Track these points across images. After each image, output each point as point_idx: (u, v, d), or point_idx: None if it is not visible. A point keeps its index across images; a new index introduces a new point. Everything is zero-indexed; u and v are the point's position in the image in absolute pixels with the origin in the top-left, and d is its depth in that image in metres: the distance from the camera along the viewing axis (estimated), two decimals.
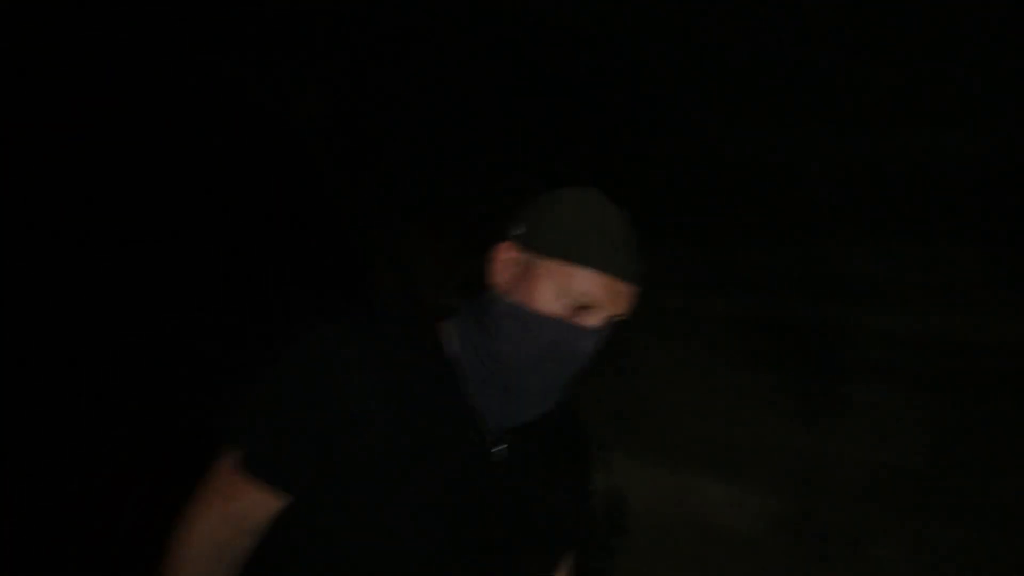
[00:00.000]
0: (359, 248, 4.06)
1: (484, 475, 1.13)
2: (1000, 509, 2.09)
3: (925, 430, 2.20)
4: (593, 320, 1.07)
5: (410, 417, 1.11)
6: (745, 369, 2.48)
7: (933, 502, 2.18)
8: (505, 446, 1.15)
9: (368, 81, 3.08)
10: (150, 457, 5.27)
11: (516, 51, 2.56)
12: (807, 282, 2.39)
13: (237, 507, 1.13)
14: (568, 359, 1.09)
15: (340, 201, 4.03)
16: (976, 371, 2.16)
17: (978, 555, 2.10)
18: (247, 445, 1.12)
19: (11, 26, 3.04)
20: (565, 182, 1.16)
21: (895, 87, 2.00)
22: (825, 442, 2.28)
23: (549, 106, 2.65)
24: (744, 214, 2.49)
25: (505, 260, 1.14)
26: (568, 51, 2.45)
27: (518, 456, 1.16)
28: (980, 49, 1.83)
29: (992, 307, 2.10)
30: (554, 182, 1.20)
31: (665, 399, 2.68)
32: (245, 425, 1.14)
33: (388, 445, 1.08)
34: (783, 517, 2.33)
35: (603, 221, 1.10)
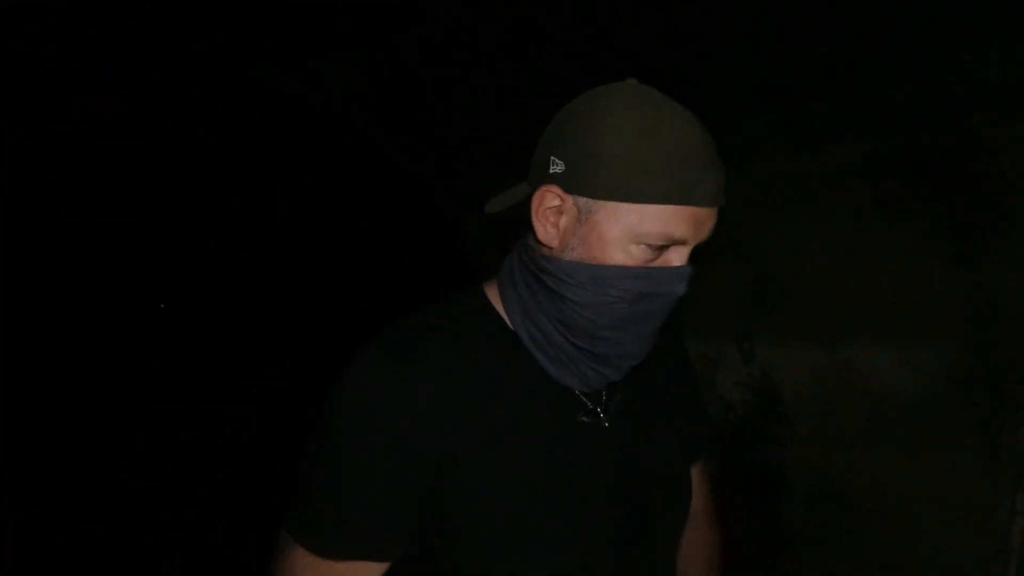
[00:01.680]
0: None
1: (592, 446, 1.05)
2: None
3: None
4: (680, 256, 0.95)
5: (502, 418, 0.99)
6: (885, 220, 2.27)
7: None
8: (601, 411, 1.07)
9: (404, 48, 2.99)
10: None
11: None
12: (936, 103, 2.14)
13: None
14: (661, 307, 0.97)
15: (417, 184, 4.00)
16: None
17: None
18: (328, 531, 0.97)
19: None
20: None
21: None
22: (991, 277, 2.06)
23: None
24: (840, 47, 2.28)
25: (549, 210, 0.98)
26: None
27: (621, 409, 1.10)
28: None
29: None
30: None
31: (802, 273, 2.50)
32: (314, 510, 0.98)
33: (487, 458, 0.97)
34: (956, 371, 2.13)
35: (662, 135, 0.91)
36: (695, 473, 1.32)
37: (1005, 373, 2.03)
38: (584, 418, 1.04)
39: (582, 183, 0.93)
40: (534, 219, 0.98)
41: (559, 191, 0.95)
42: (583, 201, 0.94)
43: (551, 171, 0.96)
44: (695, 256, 0.98)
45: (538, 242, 1.00)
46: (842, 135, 2.36)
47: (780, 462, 2.59)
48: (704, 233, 0.95)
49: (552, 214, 0.97)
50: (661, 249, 0.93)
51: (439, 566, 0.99)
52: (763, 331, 2.63)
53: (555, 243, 0.98)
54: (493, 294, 1.08)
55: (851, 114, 2.33)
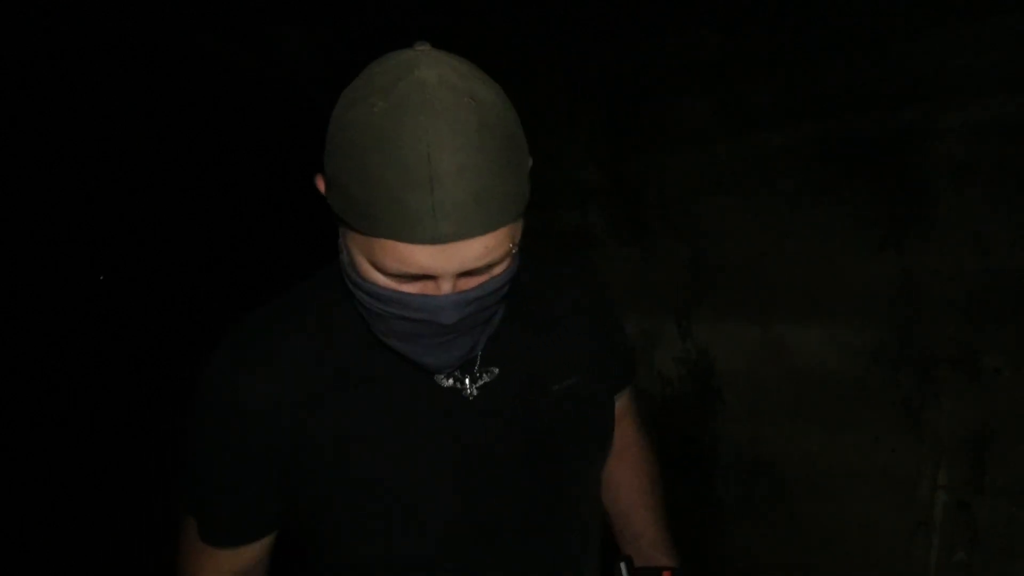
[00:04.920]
0: None
1: (461, 414, 1.00)
2: None
3: None
4: (440, 287, 0.81)
5: (363, 391, 0.97)
6: (817, 204, 2.34)
7: None
8: (475, 380, 1.01)
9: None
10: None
11: None
12: (870, 92, 2.20)
13: (226, 567, 1.04)
14: (445, 331, 0.85)
15: None
16: None
17: None
18: (197, 517, 1.02)
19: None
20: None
21: None
22: (917, 261, 2.14)
23: None
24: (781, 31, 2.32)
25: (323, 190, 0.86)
26: None
27: (495, 378, 1.03)
28: None
29: None
30: None
31: (737, 253, 2.56)
32: (187, 496, 1.03)
33: (354, 433, 0.96)
34: (883, 348, 2.22)
35: (386, 151, 0.72)
36: (622, 404, 1.30)
37: (928, 353, 2.13)
38: (445, 380, 0.99)
39: (327, 185, 0.82)
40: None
41: (322, 180, 0.85)
42: (334, 208, 0.82)
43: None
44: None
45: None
46: (778, 120, 2.40)
47: (712, 436, 2.66)
48: (464, 262, 0.78)
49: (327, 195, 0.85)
50: (412, 279, 0.81)
51: (314, 541, 1.01)
52: (700, 309, 2.68)
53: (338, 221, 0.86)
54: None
55: (787, 100, 2.37)
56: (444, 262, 0.76)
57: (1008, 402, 1.97)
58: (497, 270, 0.84)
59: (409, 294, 0.81)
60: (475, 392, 1.00)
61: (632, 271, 2.85)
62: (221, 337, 0.99)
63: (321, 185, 0.85)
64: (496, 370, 1.02)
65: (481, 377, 1.00)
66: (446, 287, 0.80)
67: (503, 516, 1.01)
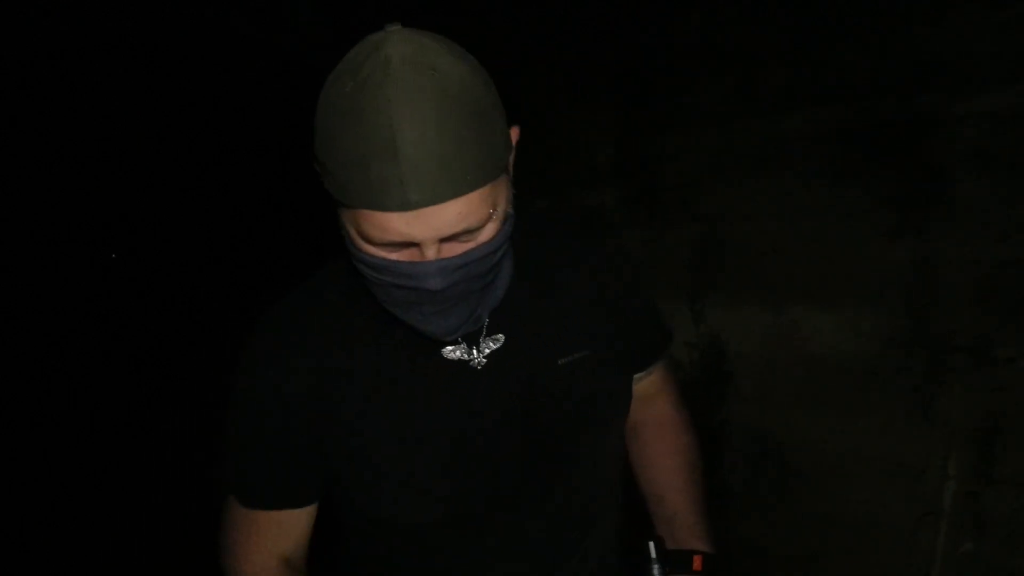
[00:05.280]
0: None
1: (468, 384, 1.05)
2: None
3: None
4: (424, 253, 0.85)
5: (375, 366, 1.04)
6: (834, 187, 2.32)
7: None
8: (481, 351, 1.06)
9: None
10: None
11: None
12: (890, 76, 2.17)
13: (269, 533, 1.11)
14: (436, 297, 0.89)
15: None
16: None
17: None
18: (240, 486, 1.10)
19: None
20: None
21: None
22: (932, 248, 2.12)
23: None
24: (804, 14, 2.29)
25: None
26: None
27: (501, 348, 1.07)
28: None
29: None
30: None
31: (752, 236, 2.54)
32: (230, 470, 1.11)
33: (368, 405, 1.03)
34: (896, 334, 2.20)
35: (350, 125, 0.78)
36: (653, 381, 1.32)
37: (942, 341, 2.10)
38: (452, 352, 1.04)
39: (316, 153, 0.86)
40: None
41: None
42: (325, 183, 0.88)
43: None
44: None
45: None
46: (797, 103, 2.37)
47: (722, 420, 2.66)
48: (441, 227, 0.82)
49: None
50: (397, 247, 0.86)
51: (346, 509, 1.12)
52: (713, 292, 2.67)
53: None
54: None
55: (806, 83, 2.34)
56: (420, 228, 0.80)
57: (1021, 392, 1.94)
58: (483, 236, 0.87)
59: (397, 262, 0.86)
60: (483, 361, 1.04)
61: (646, 253, 2.83)
62: (255, 323, 1.09)
63: (314, 162, 0.89)
64: (501, 337, 1.06)
65: (487, 346, 1.04)
66: (430, 253, 0.84)
67: (505, 488, 1.05)
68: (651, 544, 1.13)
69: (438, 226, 0.81)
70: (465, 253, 0.87)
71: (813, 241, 2.39)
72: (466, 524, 1.05)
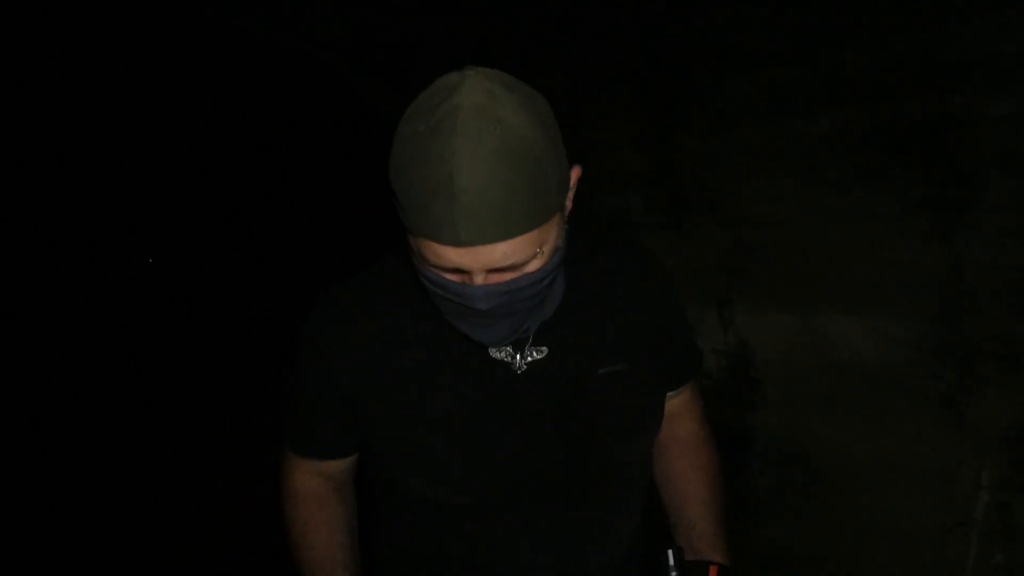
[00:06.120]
0: None
1: (508, 387, 1.14)
2: None
3: None
4: (474, 280, 0.96)
5: (424, 354, 1.15)
6: (863, 190, 2.28)
7: None
8: (525, 357, 1.15)
9: None
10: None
11: None
12: (920, 77, 2.13)
13: (309, 471, 1.29)
14: (484, 315, 1.00)
15: None
16: None
17: None
18: (292, 433, 1.28)
19: None
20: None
21: None
22: (964, 251, 2.08)
23: None
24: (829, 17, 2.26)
25: None
26: None
27: (543, 357, 1.16)
28: None
29: None
30: None
31: (779, 239, 2.52)
32: (288, 418, 1.28)
33: (412, 388, 1.13)
34: (926, 340, 2.16)
35: (418, 164, 0.88)
36: (683, 400, 1.38)
37: (973, 347, 2.07)
38: (497, 353, 1.13)
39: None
40: None
41: None
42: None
43: None
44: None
45: None
46: (823, 105, 2.34)
47: (750, 426, 2.64)
48: (491, 261, 0.93)
49: None
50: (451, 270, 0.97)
51: (378, 476, 1.25)
52: (740, 296, 2.65)
53: None
54: None
55: (836, 84, 2.31)
56: (470, 261, 0.92)
57: None
58: (528, 268, 0.97)
59: (451, 281, 0.97)
60: (523, 367, 1.13)
61: (672, 257, 2.80)
62: (317, 297, 1.22)
63: None
64: (545, 349, 1.15)
65: (530, 355, 1.14)
66: (478, 280, 0.95)
67: (535, 484, 1.13)
68: (670, 552, 1.15)
69: (485, 261, 0.92)
70: (510, 281, 0.97)
71: (841, 245, 2.36)
72: (494, 511, 1.13)
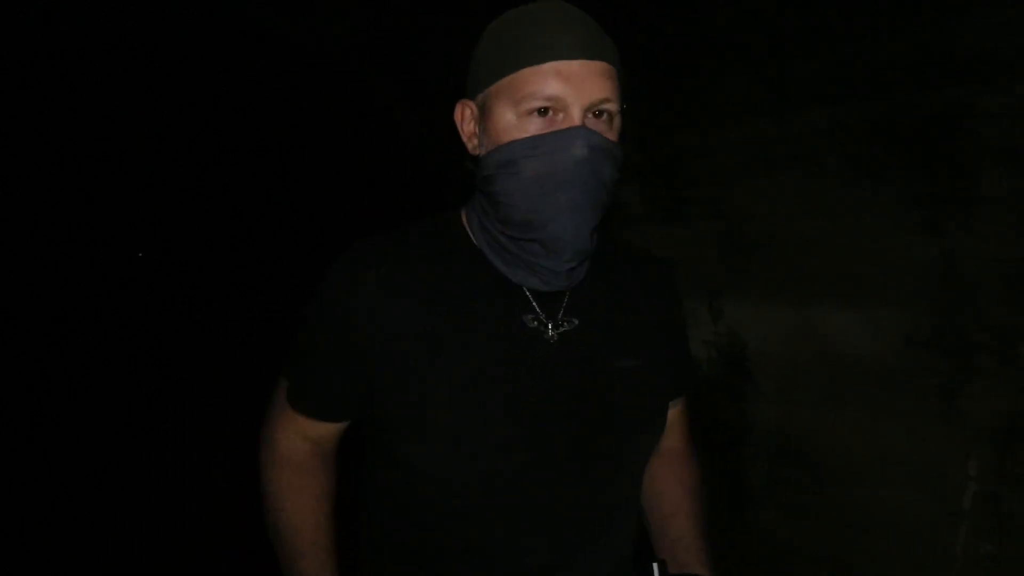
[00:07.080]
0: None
1: (539, 354, 1.12)
2: None
3: None
4: (572, 118, 1.00)
5: (450, 314, 1.10)
6: (859, 184, 2.29)
7: None
8: (558, 327, 1.14)
9: None
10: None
11: None
12: (917, 72, 2.14)
13: (301, 432, 1.24)
14: (572, 171, 1.01)
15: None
16: None
17: None
18: (292, 385, 1.22)
19: None
20: None
21: None
22: (958, 245, 2.09)
23: None
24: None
25: (464, 120, 1.12)
26: None
27: (573, 330, 1.15)
28: None
29: None
30: None
31: (774, 233, 2.53)
32: (291, 366, 1.23)
33: (433, 348, 1.08)
34: (920, 333, 2.17)
35: (517, 19, 1.04)
36: (675, 413, 1.38)
37: (965, 340, 2.07)
38: (532, 321, 1.12)
39: (473, 84, 1.08)
40: (461, 132, 1.12)
41: (466, 101, 1.11)
42: (479, 98, 1.07)
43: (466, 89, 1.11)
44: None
45: (470, 153, 1.13)
46: (821, 99, 2.36)
47: (743, 419, 2.64)
48: (591, 91, 1.00)
49: (466, 123, 1.11)
50: (545, 113, 1.00)
51: (380, 443, 1.17)
52: (734, 289, 2.65)
53: (473, 146, 1.11)
54: (463, 216, 1.20)
55: (831, 78, 2.32)
56: (573, 88, 0.98)
57: None
58: (612, 130, 1.04)
59: (542, 135, 0.99)
60: (555, 336, 1.12)
61: (667, 250, 2.82)
62: (341, 252, 1.17)
63: (459, 113, 1.12)
64: (576, 321, 1.15)
65: (563, 325, 1.13)
66: (576, 116, 0.99)
67: (548, 461, 1.10)
68: (655, 565, 1.16)
69: (588, 89, 0.99)
70: (601, 133, 1.01)
71: (836, 238, 2.37)
72: (501, 487, 1.09)
